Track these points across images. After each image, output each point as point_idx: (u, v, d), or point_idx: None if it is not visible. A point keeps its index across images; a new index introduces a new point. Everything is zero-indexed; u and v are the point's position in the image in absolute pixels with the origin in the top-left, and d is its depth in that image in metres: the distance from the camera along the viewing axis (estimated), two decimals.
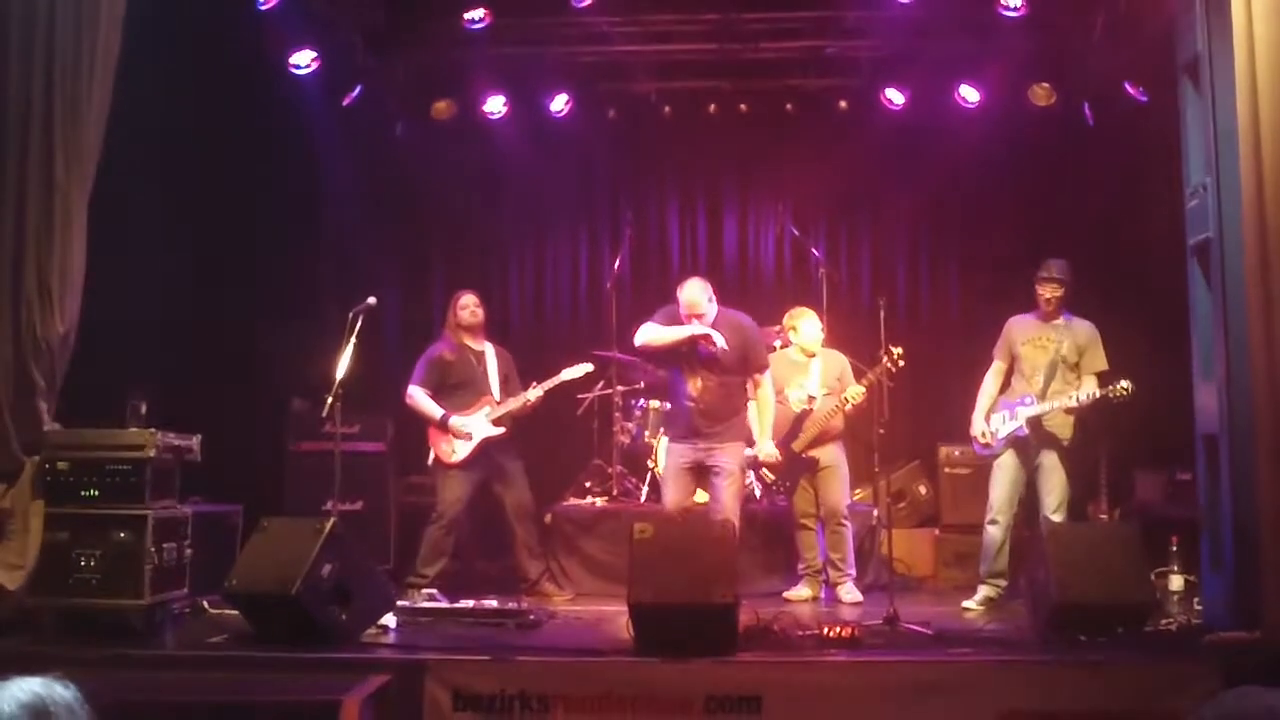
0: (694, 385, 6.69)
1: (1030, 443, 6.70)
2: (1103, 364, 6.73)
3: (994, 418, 6.83)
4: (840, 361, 7.40)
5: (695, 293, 6.63)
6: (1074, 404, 6.58)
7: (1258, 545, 5.20)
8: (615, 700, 4.82)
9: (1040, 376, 6.73)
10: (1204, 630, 5.45)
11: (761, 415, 6.89)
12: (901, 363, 6.76)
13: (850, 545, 7.21)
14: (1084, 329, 6.81)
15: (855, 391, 7.07)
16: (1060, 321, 6.83)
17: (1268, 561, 5.15)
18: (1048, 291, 6.82)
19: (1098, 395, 6.52)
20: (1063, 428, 6.69)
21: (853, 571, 7.19)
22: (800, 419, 7.22)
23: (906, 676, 4.92)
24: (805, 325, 7.38)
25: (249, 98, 8.20)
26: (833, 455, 7.23)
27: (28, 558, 5.61)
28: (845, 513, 7.22)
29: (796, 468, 7.26)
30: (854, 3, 8.44)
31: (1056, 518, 6.56)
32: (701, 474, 6.76)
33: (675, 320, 6.71)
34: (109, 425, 5.98)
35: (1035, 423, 6.67)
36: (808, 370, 7.30)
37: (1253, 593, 5.22)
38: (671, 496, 6.85)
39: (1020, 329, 6.93)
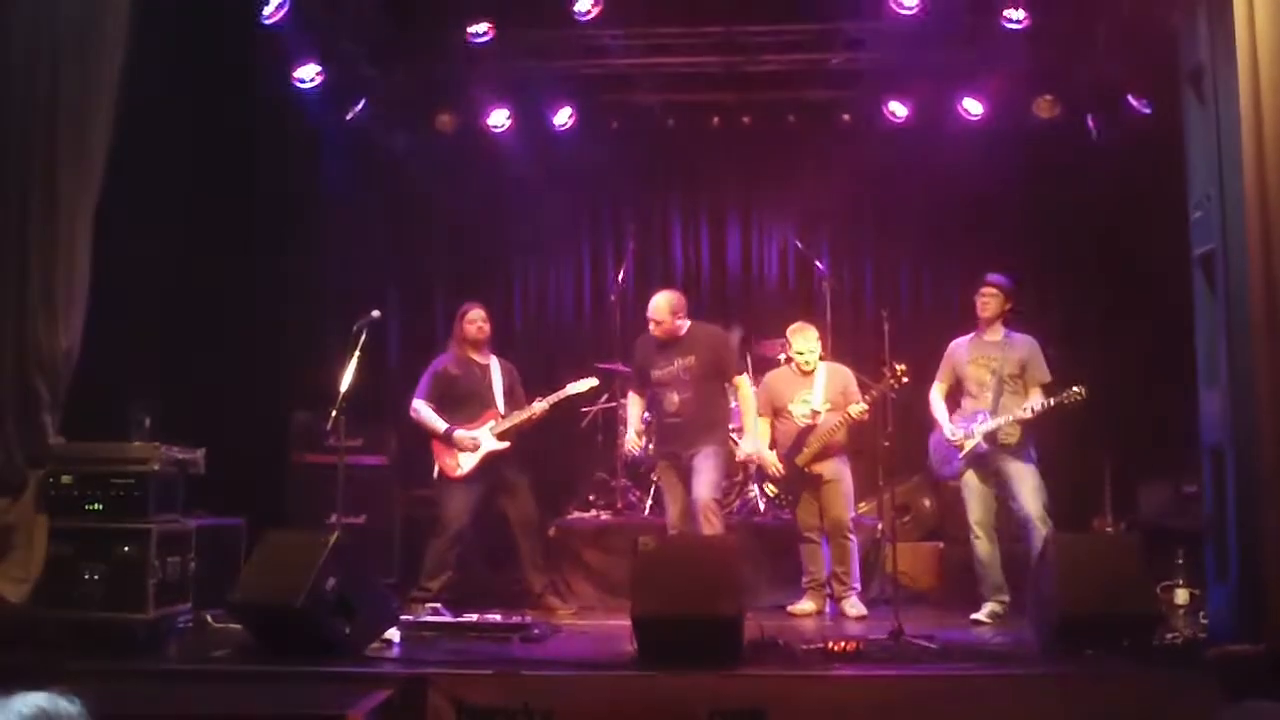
0: (670, 401, 7.02)
1: (988, 458, 6.75)
2: (1045, 376, 6.82)
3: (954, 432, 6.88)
4: (844, 376, 7.39)
5: (658, 302, 7.09)
6: (1027, 415, 6.65)
7: (1263, 558, 5.19)
8: (619, 713, 4.81)
9: (989, 392, 6.81)
10: (1209, 643, 5.42)
11: (745, 415, 7.19)
12: (905, 380, 6.76)
13: (855, 559, 7.20)
14: (1023, 344, 6.90)
15: (858, 409, 7.07)
16: (1000, 339, 6.92)
17: (1273, 574, 5.13)
18: (981, 298, 6.97)
19: (1051, 404, 6.57)
20: (1009, 435, 6.73)
21: (857, 585, 7.17)
22: (804, 433, 7.21)
23: (912, 690, 4.91)
24: (799, 341, 7.39)
25: (253, 111, 8.21)
26: (836, 470, 7.21)
27: (32, 571, 5.61)
28: (850, 527, 7.20)
29: (800, 482, 7.26)
30: (857, 15, 8.44)
31: (1041, 523, 6.55)
32: (688, 479, 6.94)
33: (648, 348, 7.14)
34: (113, 439, 5.99)
35: (991, 437, 6.72)
36: (811, 385, 7.30)
37: (1258, 605, 5.20)
38: (672, 514, 7.06)
39: (962, 350, 7.04)
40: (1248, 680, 4.66)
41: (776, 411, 7.36)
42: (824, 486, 7.20)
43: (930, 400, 7.05)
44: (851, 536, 7.19)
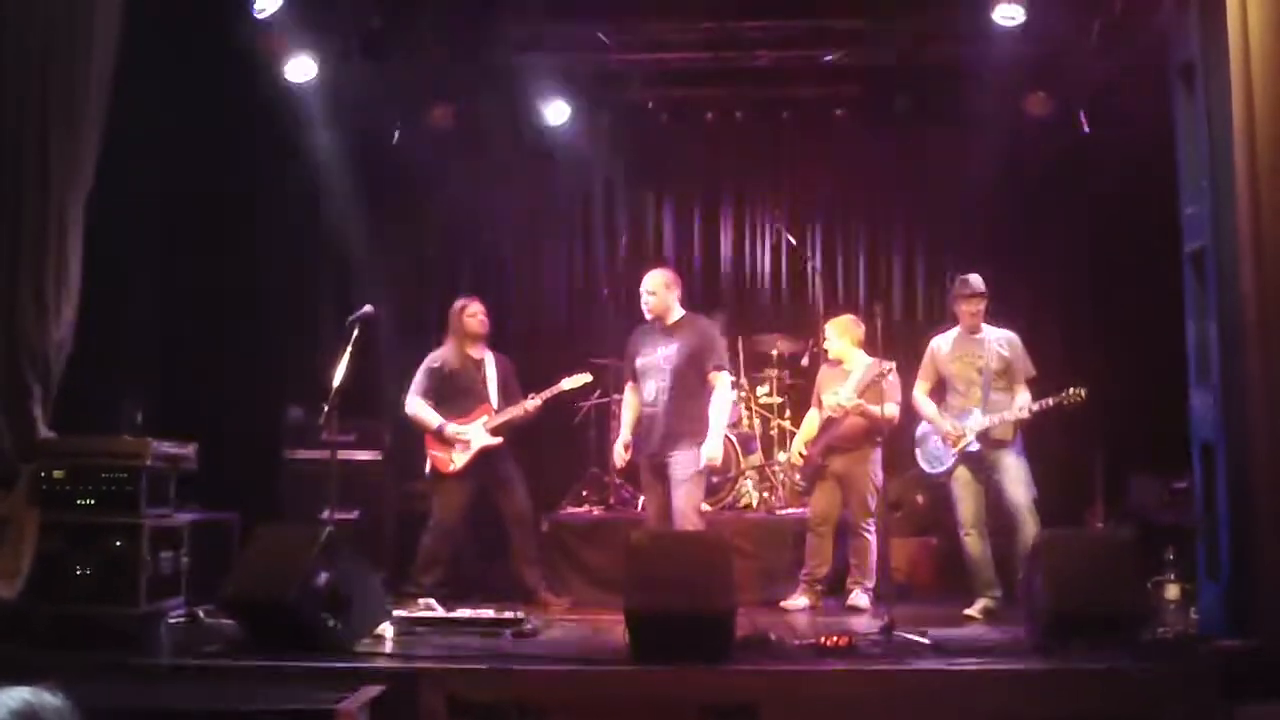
0: (648, 390, 6.83)
1: (980, 453, 6.75)
2: (1031, 370, 6.83)
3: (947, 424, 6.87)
4: (879, 371, 7.26)
5: (653, 275, 6.96)
6: (1025, 415, 6.64)
7: (1254, 553, 5.20)
8: (611, 708, 4.81)
9: (977, 389, 6.80)
10: (1200, 639, 5.44)
11: (713, 415, 6.75)
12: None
13: (870, 553, 7.15)
14: (1006, 339, 6.88)
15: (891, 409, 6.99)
16: (981, 335, 6.90)
17: (1264, 569, 5.15)
18: (972, 306, 6.89)
19: (1050, 404, 6.55)
20: (1005, 431, 6.73)
21: (866, 581, 7.13)
22: (827, 424, 7.22)
23: (903, 685, 4.91)
24: (828, 333, 7.44)
25: (247, 105, 8.20)
26: (850, 467, 7.17)
27: (23, 565, 5.60)
28: (864, 525, 7.15)
29: (820, 473, 7.26)
30: (850, 11, 8.44)
31: (1030, 516, 6.56)
32: (664, 481, 6.77)
33: (639, 335, 6.99)
34: (105, 433, 5.98)
35: (983, 435, 6.72)
36: (845, 378, 7.27)
37: (1249, 601, 5.21)
38: (649, 508, 7.03)
39: (945, 348, 7.00)
40: (1239, 676, 4.67)
41: (821, 404, 7.36)
42: (840, 482, 7.21)
43: (915, 400, 7.02)
44: (867, 535, 7.15)
